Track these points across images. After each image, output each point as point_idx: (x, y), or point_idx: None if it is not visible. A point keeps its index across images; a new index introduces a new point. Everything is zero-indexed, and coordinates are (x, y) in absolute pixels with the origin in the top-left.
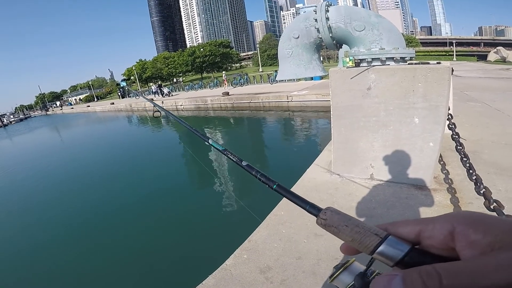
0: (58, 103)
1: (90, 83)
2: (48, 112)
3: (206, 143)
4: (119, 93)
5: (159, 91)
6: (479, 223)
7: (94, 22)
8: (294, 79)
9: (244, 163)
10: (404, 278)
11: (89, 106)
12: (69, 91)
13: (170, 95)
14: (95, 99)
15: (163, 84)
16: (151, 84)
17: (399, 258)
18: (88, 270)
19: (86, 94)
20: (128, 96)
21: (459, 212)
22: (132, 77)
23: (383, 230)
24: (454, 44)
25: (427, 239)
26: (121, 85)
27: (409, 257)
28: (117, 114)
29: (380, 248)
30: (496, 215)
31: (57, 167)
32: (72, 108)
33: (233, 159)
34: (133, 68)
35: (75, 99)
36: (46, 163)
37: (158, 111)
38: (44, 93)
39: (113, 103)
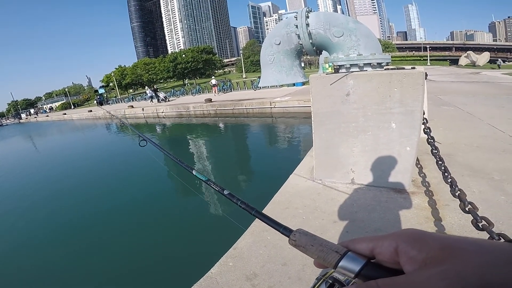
0: (32, 110)
1: (66, 89)
2: (21, 120)
3: (190, 173)
4: (96, 100)
5: (154, 95)
6: (417, 241)
7: (71, 27)
8: (276, 85)
9: (226, 192)
10: None
11: (65, 114)
12: (44, 98)
13: (167, 100)
14: (72, 107)
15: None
16: (130, 91)
17: (356, 271)
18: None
19: (62, 102)
20: (107, 104)
21: (404, 230)
22: (111, 84)
23: (344, 247)
24: (428, 49)
25: (379, 255)
26: (100, 92)
27: (365, 270)
28: (96, 122)
29: (341, 263)
30: (471, 217)
31: (39, 176)
32: (47, 116)
33: (216, 188)
34: (112, 74)
35: (51, 106)
36: (25, 173)
37: (144, 140)
38: (17, 100)
39: (90, 111)
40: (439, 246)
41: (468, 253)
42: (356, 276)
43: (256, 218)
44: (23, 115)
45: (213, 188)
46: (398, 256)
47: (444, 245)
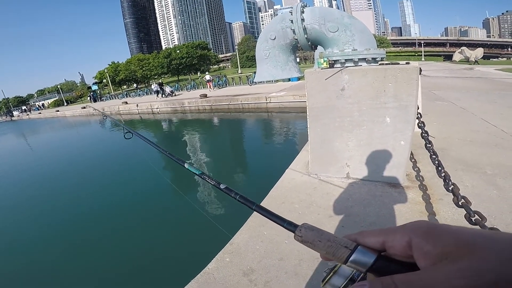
0: (24, 107)
1: (59, 86)
2: (13, 118)
3: (183, 166)
4: (89, 97)
5: (160, 90)
6: (431, 235)
7: (62, 24)
8: (272, 80)
9: (222, 186)
10: (370, 287)
11: (58, 111)
12: (36, 95)
13: (174, 94)
14: (65, 104)
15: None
16: (124, 87)
17: (368, 266)
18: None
19: (55, 99)
20: (101, 100)
21: (416, 223)
22: (104, 80)
23: (352, 241)
24: (422, 44)
25: (390, 248)
26: (93, 89)
27: (377, 264)
28: (89, 118)
29: (351, 258)
30: (464, 211)
31: (32, 175)
32: (40, 113)
33: (211, 182)
34: (105, 70)
35: (42, 104)
36: (18, 171)
37: (130, 132)
38: (8, 98)
39: (84, 107)
40: (454, 241)
41: (485, 249)
42: (367, 270)
43: (253, 213)
44: (15, 113)
45: (208, 182)
46: (412, 250)
47: (460, 240)
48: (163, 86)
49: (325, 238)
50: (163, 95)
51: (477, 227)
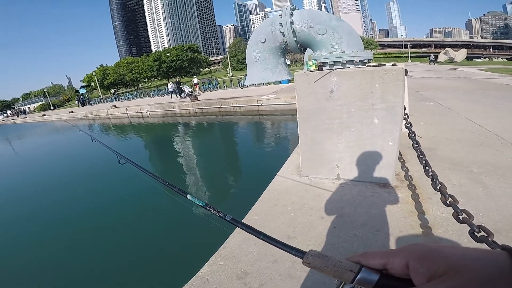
0: (9, 112)
1: (45, 90)
2: None
3: (185, 197)
4: (77, 101)
5: (177, 90)
6: (425, 259)
7: (49, 25)
8: (263, 83)
9: (228, 217)
10: None
11: (44, 115)
12: (21, 99)
13: (192, 95)
14: (52, 108)
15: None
16: (112, 90)
17: (373, 284)
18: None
19: (41, 102)
20: (89, 104)
21: (412, 247)
22: (92, 84)
23: (356, 263)
24: (408, 46)
25: (391, 269)
26: (81, 92)
27: (381, 283)
28: (77, 123)
29: (357, 278)
30: (452, 210)
31: (23, 179)
32: (25, 117)
33: (217, 214)
34: (94, 74)
35: (29, 108)
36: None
37: (123, 157)
38: None
39: (72, 112)
40: (445, 263)
41: (469, 270)
42: (373, 287)
43: (245, 217)
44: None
45: (213, 213)
46: (409, 271)
47: (449, 262)
48: (181, 85)
49: (331, 263)
50: (182, 96)
51: (465, 225)
